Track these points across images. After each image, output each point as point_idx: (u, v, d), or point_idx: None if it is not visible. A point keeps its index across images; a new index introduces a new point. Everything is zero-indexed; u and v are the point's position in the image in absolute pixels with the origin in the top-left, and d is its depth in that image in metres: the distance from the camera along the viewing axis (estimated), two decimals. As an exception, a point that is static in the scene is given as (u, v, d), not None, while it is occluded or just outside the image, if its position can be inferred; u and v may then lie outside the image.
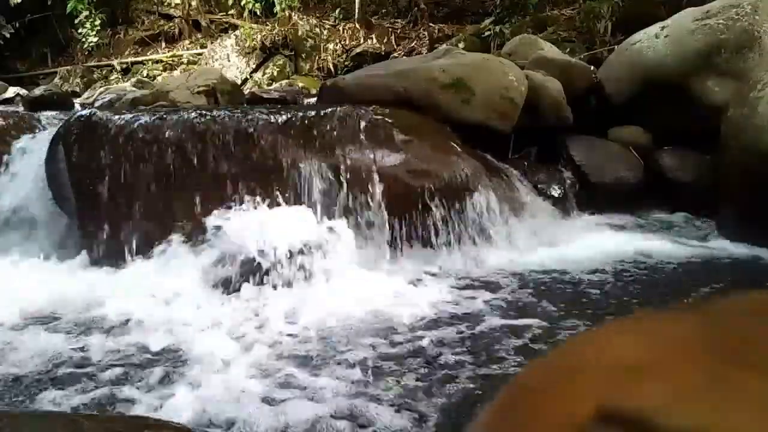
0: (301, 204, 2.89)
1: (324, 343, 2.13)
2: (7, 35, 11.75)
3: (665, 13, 4.75)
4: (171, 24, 12.39)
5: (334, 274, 2.68)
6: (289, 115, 3.21)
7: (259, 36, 10.86)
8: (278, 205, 2.87)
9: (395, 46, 10.17)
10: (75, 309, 2.45)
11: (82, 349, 2.09)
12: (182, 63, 11.61)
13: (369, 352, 2.05)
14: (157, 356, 2.04)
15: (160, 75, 11.21)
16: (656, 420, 0.22)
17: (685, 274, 2.86)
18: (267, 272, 2.61)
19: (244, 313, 2.40)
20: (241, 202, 2.86)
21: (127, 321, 2.31)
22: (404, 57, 8.78)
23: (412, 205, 3.04)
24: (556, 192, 3.87)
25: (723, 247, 3.26)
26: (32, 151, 3.36)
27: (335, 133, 3.14)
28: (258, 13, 11.29)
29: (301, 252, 2.66)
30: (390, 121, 3.32)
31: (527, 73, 4.15)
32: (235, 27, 11.71)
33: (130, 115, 3.21)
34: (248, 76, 10.65)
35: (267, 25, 11.14)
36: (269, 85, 9.97)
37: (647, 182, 4.02)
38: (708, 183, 3.74)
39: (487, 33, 8.06)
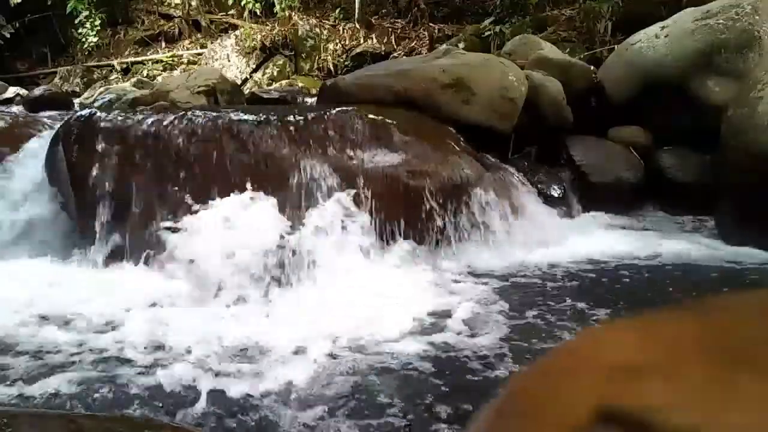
0: (300, 205, 2.89)
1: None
2: (7, 35, 11.73)
3: (665, 13, 4.75)
4: (171, 24, 12.38)
5: (335, 274, 2.68)
6: (288, 116, 3.21)
7: (259, 36, 10.85)
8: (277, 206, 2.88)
9: (395, 46, 10.16)
10: (74, 308, 2.44)
11: (80, 347, 2.09)
12: (182, 63, 11.61)
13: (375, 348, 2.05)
14: (143, 358, 2.04)
15: (160, 75, 11.21)
16: (656, 420, 0.22)
17: (685, 274, 2.86)
18: (270, 273, 2.61)
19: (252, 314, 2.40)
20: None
21: (121, 324, 2.30)
22: (404, 57, 8.78)
23: (412, 205, 3.04)
24: (556, 192, 3.87)
25: (722, 246, 3.26)
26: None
27: (335, 133, 3.14)
28: (258, 13, 11.29)
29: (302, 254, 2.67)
30: (390, 121, 3.32)
31: (527, 73, 4.15)
32: (235, 27, 11.70)
33: (130, 115, 3.21)
34: (248, 76, 10.65)
35: (267, 25, 11.14)
36: (269, 85, 9.97)
37: (647, 182, 4.02)
38: (708, 183, 3.74)
39: (487, 33, 8.05)
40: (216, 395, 1.72)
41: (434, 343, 2.12)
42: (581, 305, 2.49)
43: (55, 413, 1.62)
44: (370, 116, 3.30)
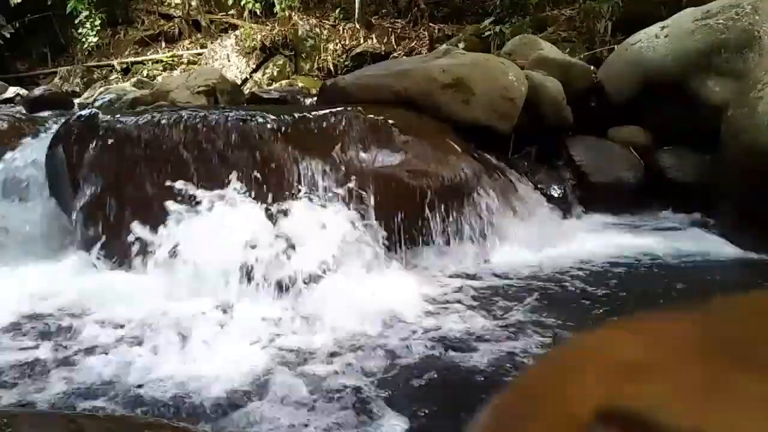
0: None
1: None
2: (7, 35, 11.73)
3: (665, 13, 4.74)
4: (171, 24, 12.38)
5: (334, 273, 2.68)
6: (288, 116, 3.20)
7: (259, 36, 10.85)
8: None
9: (395, 46, 10.16)
10: (74, 310, 2.44)
11: (82, 348, 2.09)
12: (182, 63, 11.60)
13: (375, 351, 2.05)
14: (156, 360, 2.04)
15: (160, 75, 11.21)
16: (656, 420, 0.22)
17: (685, 274, 2.86)
18: (270, 273, 2.61)
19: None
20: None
21: (123, 324, 2.30)
22: (404, 57, 8.78)
23: (412, 205, 3.04)
24: (556, 192, 3.87)
25: (723, 246, 3.26)
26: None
27: (335, 133, 3.14)
28: (258, 13, 11.28)
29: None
30: (390, 121, 3.32)
31: (527, 73, 4.15)
32: (235, 27, 11.71)
33: (130, 115, 3.20)
34: (248, 76, 10.65)
35: (267, 25, 11.14)
36: (269, 85, 9.96)
37: (647, 182, 4.02)
38: (708, 183, 3.74)
39: (487, 33, 8.04)
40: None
41: (432, 340, 2.12)
42: (581, 305, 2.49)
43: (55, 413, 1.62)
44: (370, 116, 3.29)
